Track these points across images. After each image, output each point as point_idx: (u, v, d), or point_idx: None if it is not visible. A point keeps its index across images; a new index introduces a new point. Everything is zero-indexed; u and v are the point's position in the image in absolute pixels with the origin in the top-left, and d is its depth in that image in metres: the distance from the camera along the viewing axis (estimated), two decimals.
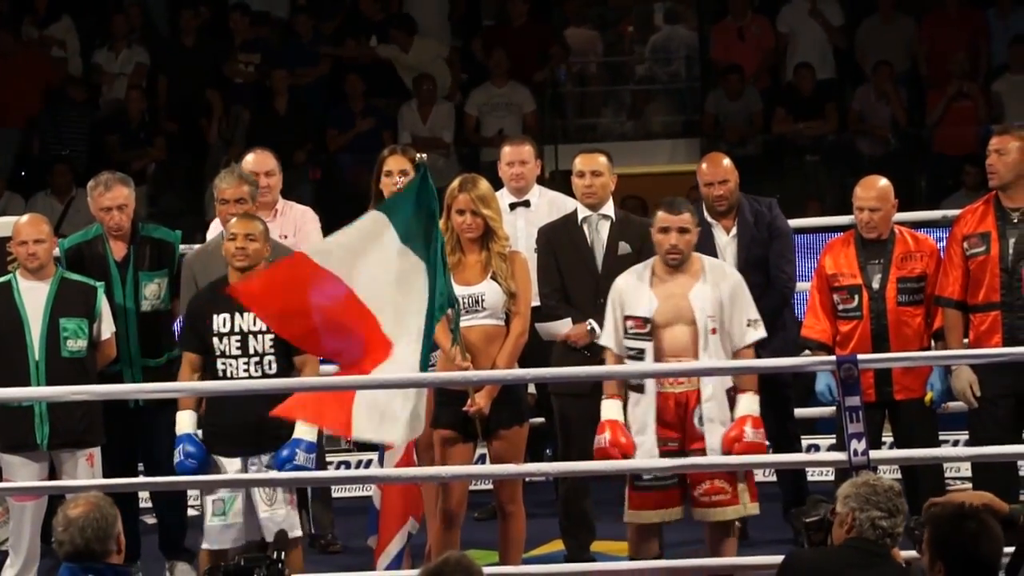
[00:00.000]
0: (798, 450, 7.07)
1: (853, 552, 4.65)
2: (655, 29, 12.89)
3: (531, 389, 6.69)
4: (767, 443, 6.38)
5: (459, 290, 6.34)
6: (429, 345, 6.01)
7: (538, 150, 7.52)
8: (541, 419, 7.31)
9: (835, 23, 12.18)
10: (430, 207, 6.06)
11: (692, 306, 6.24)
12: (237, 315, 6.39)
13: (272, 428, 6.33)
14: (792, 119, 11.84)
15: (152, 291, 6.98)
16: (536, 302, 6.80)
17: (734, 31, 12.28)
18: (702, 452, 6.18)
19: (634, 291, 6.30)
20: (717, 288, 6.27)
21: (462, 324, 6.31)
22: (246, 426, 6.36)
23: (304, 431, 6.31)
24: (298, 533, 6.36)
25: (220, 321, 6.41)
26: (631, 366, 6.27)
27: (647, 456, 6.19)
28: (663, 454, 6.19)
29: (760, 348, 6.64)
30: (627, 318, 6.29)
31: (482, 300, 6.35)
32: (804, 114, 11.87)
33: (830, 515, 4.78)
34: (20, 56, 11.96)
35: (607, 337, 6.36)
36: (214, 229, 7.20)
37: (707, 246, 6.92)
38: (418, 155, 6.42)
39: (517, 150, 7.35)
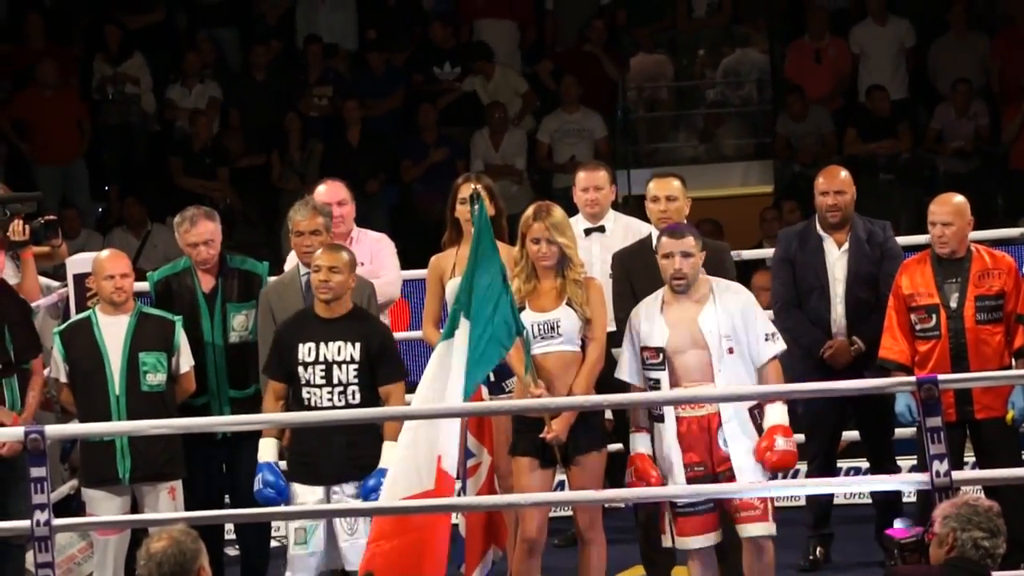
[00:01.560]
0: (895, 472, 7.03)
1: (956, 571, 4.61)
2: (726, 52, 12.86)
3: (609, 415, 6.67)
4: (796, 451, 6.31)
5: (534, 317, 6.35)
6: (475, 375, 6.02)
7: (612, 175, 7.51)
8: (620, 445, 7.29)
9: (908, 43, 12.12)
10: (486, 239, 6.09)
11: (702, 331, 6.23)
12: (322, 344, 6.45)
13: (356, 458, 6.39)
14: (864, 139, 11.79)
15: (240, 322, 7.03)
16: (612, 327, 6.79)
17: (811, 51, 12.24)
18: (729, 472, 6.17)
19: (647, 322, 6.31)
20: (727, 308, 6.26)
21: (538, 351, 6.33)
22: (329, 455, 6.41)
23: (390, 459, 6.34)
24: None
25: (305, 350, 6.46)
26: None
27: (674, 483, 6.20)
28: (690, 480, 6.19)
29: (864, 368, 6.62)
30: (643, 349, 6.30)
31: (558, 326, 6.36)
32: (877, 134, 11.81)
33: (927, 536, 4.73)
34: (70, 93, 12.07)
35: (625, 371, 6.36)
36: (291, 261, 7.24)
37: (817, 259, 6.98)
38: (472, 186, 6.44)
39: (592, 175, 7.35)
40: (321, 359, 6.45)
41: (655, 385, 6.28)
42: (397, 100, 12.28)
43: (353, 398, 6.43)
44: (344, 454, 6.40)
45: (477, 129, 12.01)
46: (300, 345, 6.46)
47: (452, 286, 6.72)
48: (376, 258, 7.29)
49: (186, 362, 6.91)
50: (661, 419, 6.28)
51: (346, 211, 7.32)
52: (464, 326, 6.05)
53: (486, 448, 6.63)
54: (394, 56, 12.47)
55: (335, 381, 6.43)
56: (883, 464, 7.07)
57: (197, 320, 6.99)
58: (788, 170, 12.05)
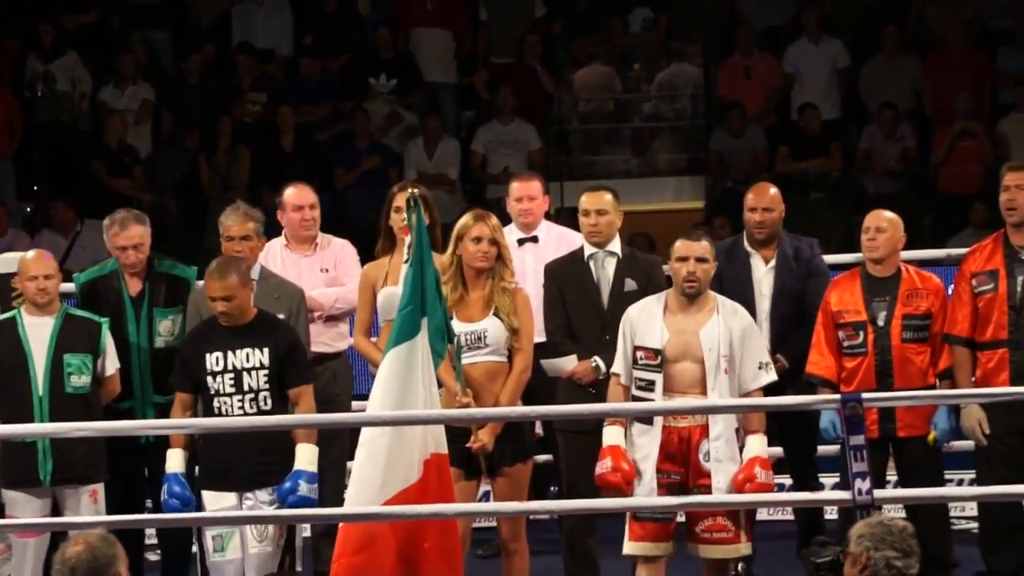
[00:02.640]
0: (818, 489, 7.05)
1: None
2: (661, 67, 12.91)
3: (538, 426, 6.66)
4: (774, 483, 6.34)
5: (461, 327, 6.34)
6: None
7: (546, 186, 7.51)
8: (547, 456, 7.28)
9: (841, 63, 12.21)
10: (421, 241, 6.08)
11: (701, 344, 6.23)
12: (230, 352, 6.42)
13: (269, 464, 6.36)
14: (796, 158, 11.86)
15: (166, 328, 6.97)
16: (541, 338, 6.79)
17: (740, 69, 12.31)
18: (706, 488, 6.16)
19: (646, 321, 6.29)
20: (729, 328, 6.26)
21: (465, 361, 6.31)
22: (242, 463, 6.39)
23: (306, 462, 6.32)
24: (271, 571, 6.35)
25: (213, 360, 6.43)
26: (633, 404, 6.24)
27: (646, 488, 6.18)
28: (662, 486, 6.18)
29: (788, 384, 6.64)
30: (637, 348, 6.28)
31: (484, 336, 6.35)
32: (809, 153, 11.89)
33: (842, 555, 4.75)
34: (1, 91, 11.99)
35: (617, 364, 6.34)
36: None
37: (744, 275, 6.98)
38: (410, 189, 6.44)
39: (526, 185, 7.36)
40: (230, 367, 6.41)
41: (648, 386, 6.25)
42: (331, 107, 12.23)
43: (264, 404, 6.40)
44: (256, 460, 6.37)
45: (410, 138, 11.99)
46: (207, 355, 6.42)
47: (384, 295, 6.69)
48: (340, 265, 7.26)
49: (111, 365, 6.85)
50: (651, 421, 6.24)
51: (316, 214, 7.29)
52: (425, 326, 6.03)
53: None
54: (330, 63, 12.43)
55: (245, 388, 6.40)
56: (806, 481, 7.08)
57: (123, 324, 6.93)
58: (720, 186, 12.10)
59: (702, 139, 12.48)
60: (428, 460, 5.98)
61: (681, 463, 6.22)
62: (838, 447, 6.62)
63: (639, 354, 6.26)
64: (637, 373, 6.27)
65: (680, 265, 6.29)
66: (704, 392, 6.21)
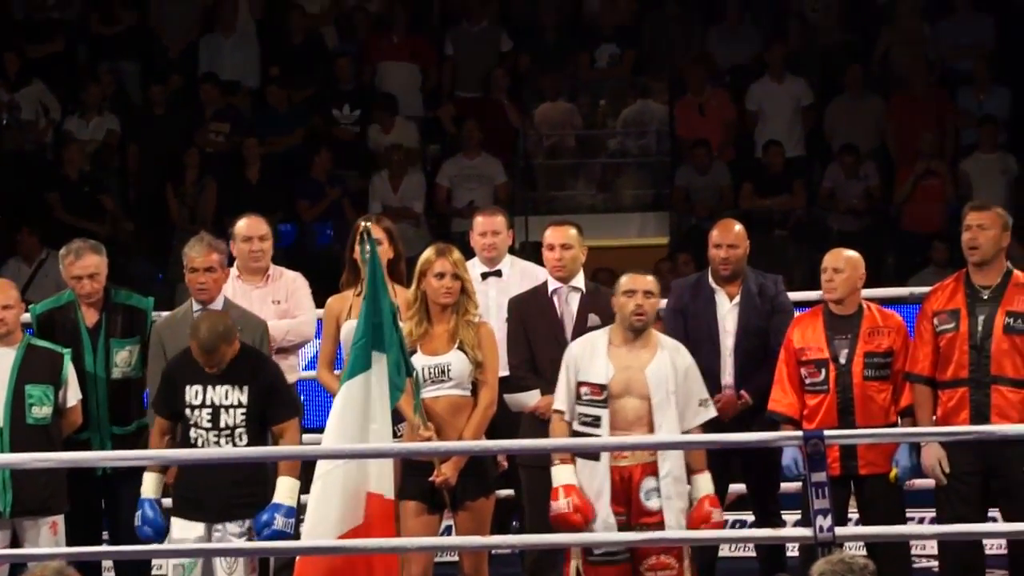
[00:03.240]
0: (780, 526, 7.07)
1: None
2: (627, 103, 12.95)
3: (502, 460, 6.66)
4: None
5: (425, 360, 6.34)
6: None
7: (510, 220, 7.53)
8: (509, 491, 7.28)
9: (804, 102, 12.28)
10: (380, 277, 6.10)
11: (647, 381, 6.26)
12: (209, 388, 6.42)
13: (240, 496, 6.37)
14: (760, 195, 11.91)
15: (123, 358, 6.95)
16: (505, 372, 6.79)
17: (694, 107, 12.38)
18: (650, 527, 6.18)
19: (590, 357, 6.32)
20: (674, 364, 6.29)
21: (428, 395, 6.32)
22: (214, 493, 6.37)
23: (285, 495, 6.33)
24: None
25: (192, 393, 6.44)
26: (597, 440, 6.25)
27: (603, 525, 6.19)
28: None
29: (752, 421, 6.65)
30: (581, 384, 6.30)
31: (448, 370, 6.35)
32: (772, 190, 11.94)
33: None
34: None
35: (560, 401, 6.36)
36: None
37: (708, 312, 7.01)
38: (362, 223, 6.45)
39: (490, 220, 7.37)
40: (208, 403, 6.42)
41: (593, 422, 6.28)
42: (297, 138, 12.24)
43: (240, 440, 6.41)
44: (229, 492, 6.36)
45: (374, 171, 12.00)
46: (187, 387, 6.43)
47: (348, 327, 6.69)
48: (292, 297, 7.25)
49: (73, 396, 6.82)
50: (596, 457, 6.26)
51: (266, 246, 7.28)
52: (382, 361, 6.04)
53: None
54: (295, 94, 12.44)
55: (222, 425, 6.42)
56: (768, 517, 7.09)
57: (80, 354, 6.91)
58: (685, 222, 12.14)
59: (667, 175, 12.52)
60: (369, 496, 5.96)
61: (623, 502, 6.25)
62: (800, 484, 6.63)
63: (583, 389, 6.30)
64: (581, 409, 6.30)
65: (627, 300, 6.32)
66: (649, 429, 6.24)
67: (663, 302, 6.82)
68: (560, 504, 6.24)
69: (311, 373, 7.51)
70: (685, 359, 6.34)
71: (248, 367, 6.46)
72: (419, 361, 6.32)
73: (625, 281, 6.35)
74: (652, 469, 6.27)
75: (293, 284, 7.30)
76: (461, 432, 6.33)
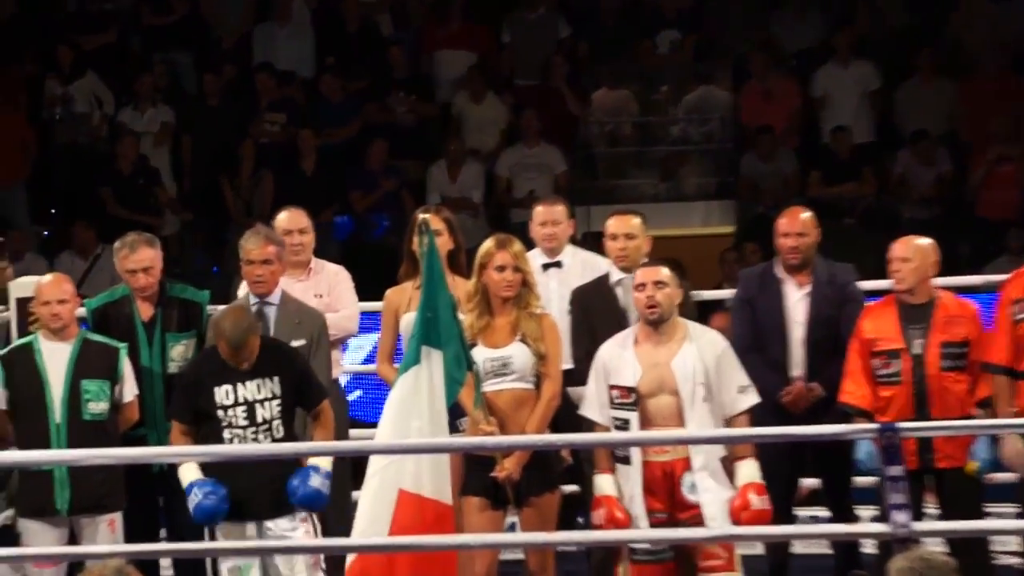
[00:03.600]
0: (855, 521, 7.01)
1: None
2: (689, 89, 12.89)
3: (566, 454, 6.63)
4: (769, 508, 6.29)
5: (487, 353, 6.33)
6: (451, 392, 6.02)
7: (571, 210, 7.49)
8: (575, 487, 7.25)
9: (872, 86, 12.17)
10: (437, 270, 6.07)
11: (675, 376, 6.21)
12: (239, 385, 6.42)
13: (284, 491, 6.37)
14: (828, 182, 11.82)
15: (179, 352, 6.96)
16: (569, 365, 6.76)
17: (759, 92, 12.29)
18: (693, 521, 6.15)
19: (618, 359, 6.29)
20: (703, 355, 6.24)
21: (490, 388, 6.31)
22: (261, 492, 6.38)
23: (316, 461, 6.35)
24: None
25: (223, 393, 6.43)
26: (662, 433, 6.21)
27: (637, 528, 6.17)
28: (652, 526, 6.17)
29: (823, 414, 6.58)
30: (612, 387, 6.27)
31: (510, 363, 6.33)
32: (841, 177, 11.85)
33: None
34: (16, 114, 11.99)
35: (591, 408, 6.34)
36: (243, 289, 7.18)
37: (777, 302, 6.98)
38: (420, 215, 6.43)
39: (550, 210, 7.34)
40: (241, 400, 6.42)
41: (624, 425, 6.25)
42: (353, 129, 12.23)
43: (277, 432, 6.42)
44: (271, 488, 6.37)
45: (432, 162, 11.98)
46: (216, 388, 6.42)
47: (407, 320, 6.68)
48: (334, 291, 7.26)
49: (130, 391, 6.83)
50: (627, 461, 6.25)
51: (307, 240, 7.30)
52: (436, 356, 6.01)
53: None
54: (351, 84, 12.44)
55: (259, 420, 6.42)
56: (843, 513, 7.05)
57: (135, 349, 6.92)
58: (750, 211, 12.07)
59: (732, 163, 12.45)
60: (402, 495, 5.92)
61: (665, 499, 6.22)
62: (875, 478, 6.58)
63: (614, 393, 6.27)
64: (613, 413, 6.27)
65: (639, 294, 6.28)
66: (682, 425, 6.20)
67: (713, 291, 6.77)
68: (595, 516, 6.27)
69: (357, 367, 7.51)
70: (716, 347, 6.30)
71: (273, 357, 6.47)
72: (480, 354, 6.31)
73: (636, 275, 6.34)
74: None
75: (335, 278, 7.32)
76: (524, 426, 6.31)
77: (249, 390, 6.41)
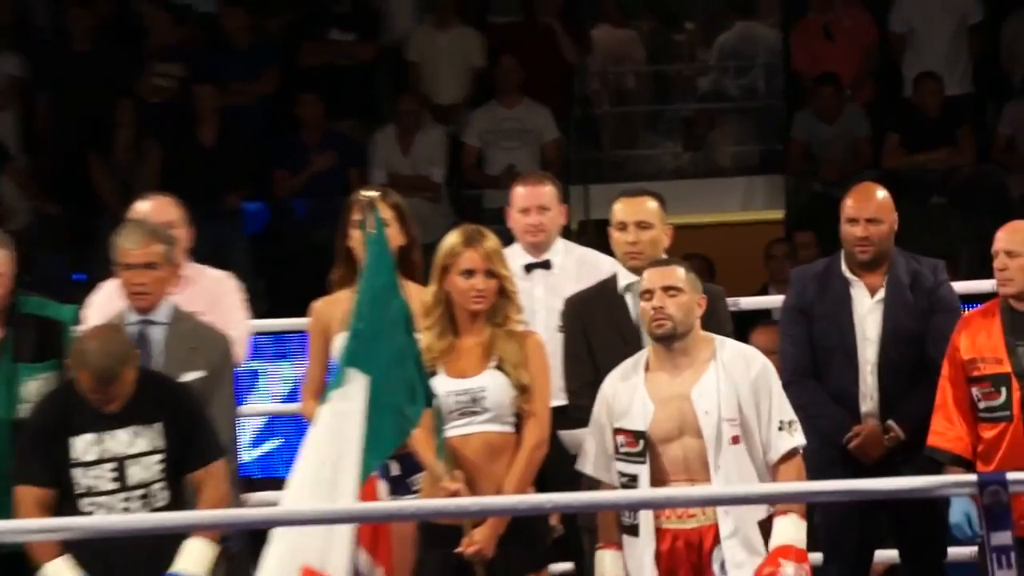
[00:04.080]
0: None
1: None
2: (724, 27, 12.94)
3: (555, 522, 6.65)
4: None
5: (451, 385, 6.34)
6: (369, 460, 5.99)
7: (562, 192, 7.51)
8: (567, 564, 7.26)
9: (971, 19, 12.22)
10: (384, 270, 6.07)
11: (695, 410, 6.25)
12: (106, 435, 6.42)
13: None
14: (911, 149, 11.87)
15: (35, 390, 6.95)
16: (560, 400, 6.77)
17: (818, 29, 12.31)
18: None
19: (624, 395, 6.32)
20: (733, 381, 6.27)
21: (457, 432, 6.31)
22: None
23: (184, 562, 6.35)
24: None
25: (82, 445, 6.43)
26: (675, 491, 6.22)
27: None
28: None
29: (904, 462, 6.63)
30: (616, 432, 6.31)
31: (482, 398, 6.34)
32: (928, 142, 11.90)
33: None
34: None
35: (590, 462, 6.37)
36: (102, 299, 7.16)
37: (842, 311, 7.04)
38: (361, 196, 6.42)
39: (535, 192, 7.36)
40: (107, 455, 6.42)
41: (630, 483, 6.27)
42: (269, 83, 12.25)
43: (157, 501, 6.43)
44: None
45: (379, 126, 12.00)
46: (73, 440, 6.42)
47: (342, 341, 6.69)
48: (218, 306, 7.24)
49: None
50: (635, 531, 6.27)
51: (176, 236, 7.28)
52: (360, 383, 5.98)
53: (381, 568, 6.61)
54: (266, 22, 12.46)
55: (131, 483, 6.42)
56: None
57: None
58: (806, 189, 12.12)
59: (781, 125, 12.50)
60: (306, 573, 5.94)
61: None
62: (975, 548, 6.59)
63: (619, 439, 6.30)
64: (619, 466, 6.30)
65: (645, 303, 6.33)
66: (709, 478, 6.23)
67: (741, 302, 6.80)
68: None
69: (275, 407, 7.52)
70: (751, 367, 6.31)
71: (155, 396, 6.47)
72: (442, 386, 6.31)
73: (642, 278, 6.39)
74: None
75: (219, 288, 7.33)
76: (500, 483, 6.32)
77: (120, 441, 6.41)
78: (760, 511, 6.25)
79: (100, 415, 6.41)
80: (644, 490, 6.24)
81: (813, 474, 6.83)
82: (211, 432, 6.56)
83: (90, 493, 6.42)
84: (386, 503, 6.23)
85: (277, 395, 9.03)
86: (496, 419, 6.36)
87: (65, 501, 6.42)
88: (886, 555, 7.38)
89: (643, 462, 6.25)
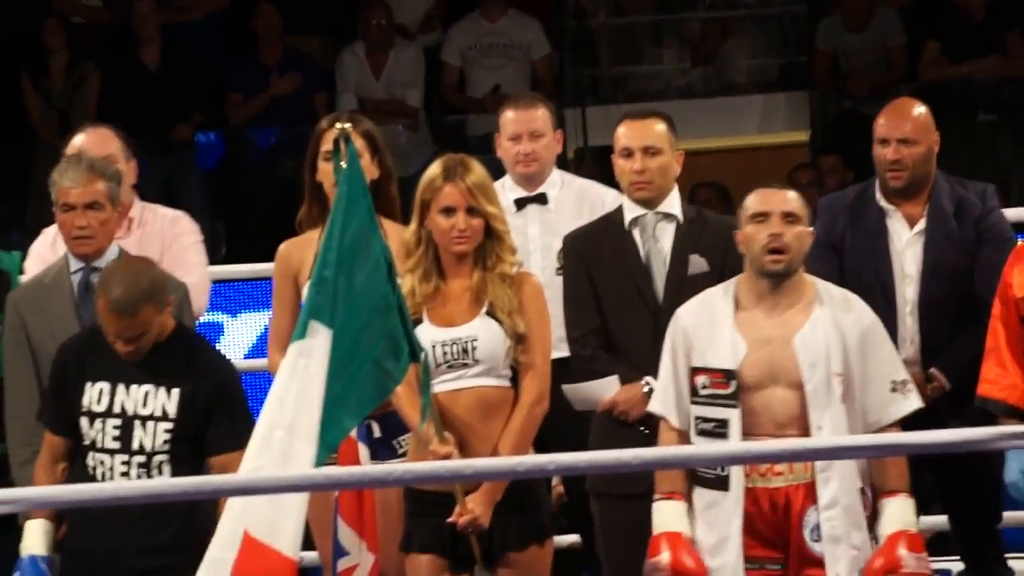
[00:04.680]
0: None
1: None
2: None
3: (557, 484, 6.70)
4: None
5: (438, 334, 6.37)
6: (343, 419, 6.04)
7: (556, 116, 7.54)
8: (574, 536, 7.31)
9: None
10: (360, 207, 6.11)
11: (798, 359, 6.28)
12: (120, 387, 6.49)
13: (153, 568, 6.45)
14: (952, 58, 11.88)
15: None
16: (563, 352, 6.82)
17: None
18: None
19: (708, 329, 6.34)
20: (840, 329, 6.30)
21: (446, 387, 6.36)
22: (121, 558, 6.46)
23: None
24: None
25: (95, 393, 6.52)
26: (709, 447, 6.27)
27: None
28: None
29: (950, 414, 6.71)
30: (697, 371, 6.34)
31: (473, 349, 6.38)
32: (972, 50, 11.91)
33: None
34: None
35: (660, 401, 6.41)
36: (45, 246, 7.21)
37: (877, 244, 7.06)
38: (337, 124, 6.47)
39: (525, 116, 7.39)
40: (116, 410, 6.49)
41: (717, 428, 6.30)
42: None
43: (160, 473, 6.49)
44: (140, 559, 6.45)
45: (346, 44, 12.02)
46: (89, 384, 6.51)
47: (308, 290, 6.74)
48: (170, 249, 7.26)
49: None
50: (723, 485, 6.30)
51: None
52: (322, 337, 6.02)
53: (365, 542, 6.64)
54: None
55: (134, 447, 6.49)
56: (984, 564, 7.13)
57: None
58: (832, 107, 12.13)
59: (803, 33, 12.51)
60: (247, 540, 6.01)
61: (779, 542, 6.28)
62: None
63: (700, 380, 6.33)
64: (698, 411, 6.33)
65: (757, 228, 6.34)
66: (806, 433, 6.25)
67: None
68: (652, 564, 6.30)
69: (238, 362, 7.54)
70: (862, 318, 6.35)
71: (184, 358, 6.53)
72: (428, 336, 6.34)
73: (751, 202, 6.37)
74: None
75: (172, 230, 7.34)
76: (496, 444, 6.36)
77: (133, 397, 6.49)
78: (859, 480, 6.27)
79: (119, 364, 6.46)
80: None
81: None
82: (239, 416, 6.57)
83: (94, 448, 6.50)
84: (367, 467, 6.26)
85: (240, 350, 9.06)
86: (489, 372, 6.39)
87: (79, 447, 6.53)
88: (933, 520, 7.43)
89: (735, 406, 6.27)
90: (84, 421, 6.50)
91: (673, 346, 6.39)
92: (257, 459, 5.93)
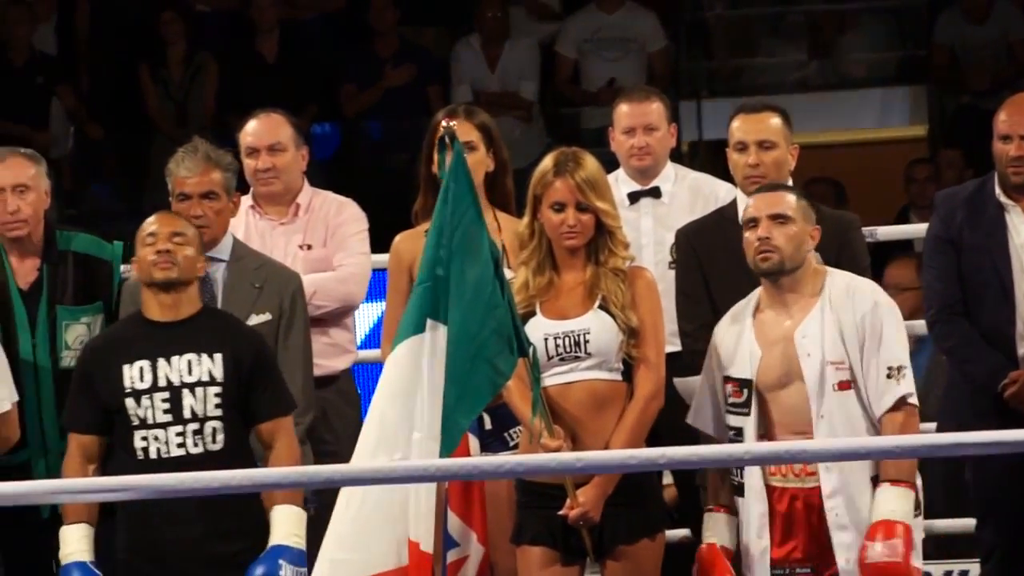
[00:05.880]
0: None
1: None
2: None
3: (669, 481, 6.70)
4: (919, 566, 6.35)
5: (551, 327, 6.38)
6: (458, 417, 6.08)
7: (671, 109, 7.54)
8: (684, 530, 7.32)
9: None
10: (467, 203, 6.12)
11: (798, 352, 6.30)
12: (161, 361, 6.51)
13: (227, 553, 6.47)
14: None
15: (77, 336, 7.02)
16: (674, 346, 6.83)
17: None
18: None
19: (733, 340, 6.38)
20: (842, 318, 6.30)
21: (558, 381, 6.37)
22: (185, 546, 6.47)
23: (285, 533, 6.43)
24: None
25: (135, 372, 6.52)
26: (775, 445, 6.24)
27: None
28: None
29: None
30: (726, 381, 6.39)
31: (586, 343, 6.38)
32: None
33: None
34: None
35: (697, 414, 6.46)
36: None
37: (997, 240, 7.02)
38: (443, 122, 6.49)
39: (640, 109, 7.40)
40: (162, 383, 6.51)
41: (736, 437, 6.35)
42: None
43: (213, 442, 6.50)
44: (208, 550, 6.47)
45: (463, 35, 12.04)
46: (126, 367, 6.51)
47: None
48: (333, 237, 7.31)
49: (5, 397, 6.90)
50: (741, 491, 6.36)
51: (282, 162, 7.33)
52: (438, 334, 6.05)
53: (475, 533, 6.66)
54: None
55: (187, 415, 6.50)
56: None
57: (10, 332, 6.96)
58: (952, 101, 12.07)
59: (922, 27, 12.45)
60: (412, 546, 6.07)
61: (812, 544, 6.31)
62: None
63: (727, 389, 6.38)
64: (728, 419, 6.39)
65: (751, 233, 6.37)
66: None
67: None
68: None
69: (375, 352, 7.56)
70: (862, 302, 6.34)
71: (220, 327, 6.58)
72: (540, 329, 6.36)
73: (747, 208, 6.43)
74: None
75: (336, 218, 7.38)
76: (607, 438, 6.37)
77: (175, 368, 6.51)
78: (866, 468, 6.28)
79: (154, 340, 6.48)
80: (767, 444, 6.26)
81: (966, 425, 6.85)
82: (282, 383, 6.64)
83: (144, 425, 6.50)
84: (478, 459, 6.26)
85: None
86: (602, 365, 6.40)
87: (121, 433, 6.51)
88: (946, 524, 7.43)
89: (747, 413, 6.33)
90: (130, 401, 6.50)
91: (709, 358, 6.45)
92: (390, 455, 5.99)
